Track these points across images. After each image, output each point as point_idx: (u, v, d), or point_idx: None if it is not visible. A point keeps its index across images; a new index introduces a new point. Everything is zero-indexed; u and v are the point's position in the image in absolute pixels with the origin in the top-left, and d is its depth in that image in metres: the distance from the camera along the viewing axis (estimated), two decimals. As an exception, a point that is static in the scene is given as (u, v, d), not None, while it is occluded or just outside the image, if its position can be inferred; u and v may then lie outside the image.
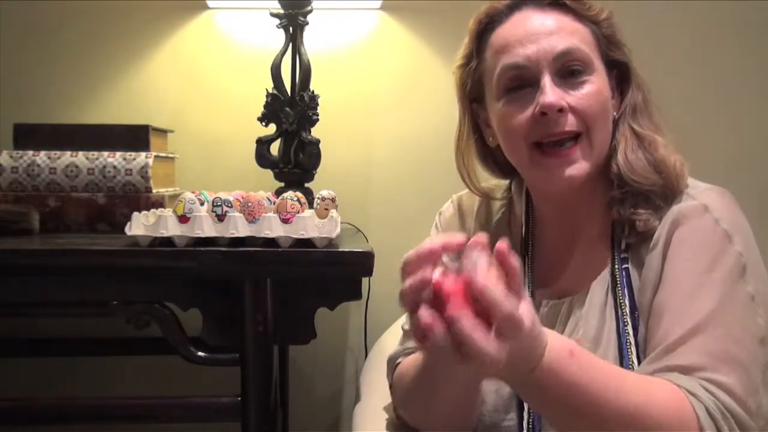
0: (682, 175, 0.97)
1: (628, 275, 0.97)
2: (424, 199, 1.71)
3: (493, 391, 1.01)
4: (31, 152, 1.39)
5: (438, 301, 0.68)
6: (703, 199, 0.95)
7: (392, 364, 1.09)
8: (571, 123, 0.95)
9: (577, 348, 0.80)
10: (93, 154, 1.39)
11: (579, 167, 0.96)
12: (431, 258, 0.70)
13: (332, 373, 1.76)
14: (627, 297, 0.95)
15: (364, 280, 1.17)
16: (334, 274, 1.14)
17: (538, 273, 1.05)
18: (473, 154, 1.08)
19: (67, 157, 1.39)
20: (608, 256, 0.99)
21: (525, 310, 0.70)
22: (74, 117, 1.67)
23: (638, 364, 0.91)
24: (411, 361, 1.03)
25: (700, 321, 0.87)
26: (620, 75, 1.03)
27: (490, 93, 1.01)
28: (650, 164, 0.97)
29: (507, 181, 1.13)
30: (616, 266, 0.97)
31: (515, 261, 0.70)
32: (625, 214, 0.97)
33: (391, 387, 1.09)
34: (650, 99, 1.03)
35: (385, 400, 1.14)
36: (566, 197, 1.01)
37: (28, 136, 1.42)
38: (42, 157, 1.38)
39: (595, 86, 0.96)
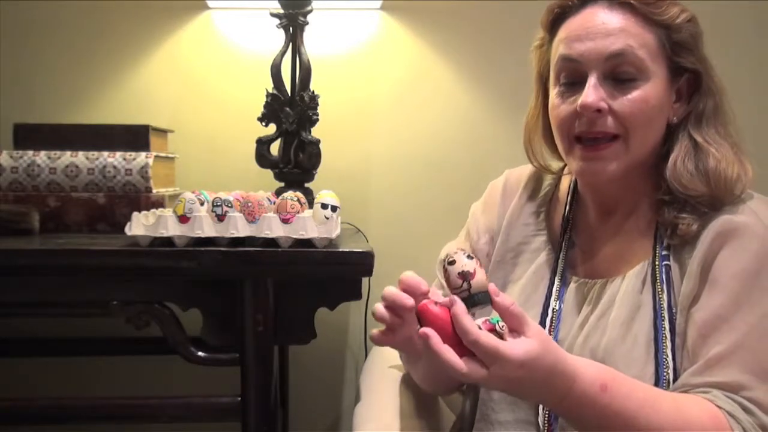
0: (737, 186, 0.98)
1: (669, 272, 0.99)
2: (424, 198, 1.71)
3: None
4: (31, 152, 1.39)
5: (423, 322, 0.81)
6: (754, 206, 0.97)
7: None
8: (609, 125, 0.98)
9: (612, 381, 0.86)
10: (93, 154, 1.39)
11: (608, 166, 0.99)
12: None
13: (332, 373, 1.76)
14: (666, 292, 0.97)
15: (364, 280, 1.17)
16: (334, 274, 1.14)
17: (572, 252, 1.09)
18: (539, 131, 1.11)
19: (67, 157, 1.39)
20: (649, 250, 1.01)
21: (520, 344, 0.80)
22: (74, 117, 1.67)
23: (672, 359, 0.94)
24: None
25: (741, 336, 0.90)
26: (692, 81, 1.02)
27: (551, 78, 1.05)
28: (701, 174, 0.98)
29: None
30: (657, 262, 0.99)
31: (505, 301, 0.81)
32: (669, 217, 0.99)
33: None
34: (725, 108, 1.02)
35: (385, 400, 1.14)
36: (607, 189, 1.04)
37: (28, 136, 1.42)
38: (42, 157, 1.38)
39: (641, 93, 0.97)
